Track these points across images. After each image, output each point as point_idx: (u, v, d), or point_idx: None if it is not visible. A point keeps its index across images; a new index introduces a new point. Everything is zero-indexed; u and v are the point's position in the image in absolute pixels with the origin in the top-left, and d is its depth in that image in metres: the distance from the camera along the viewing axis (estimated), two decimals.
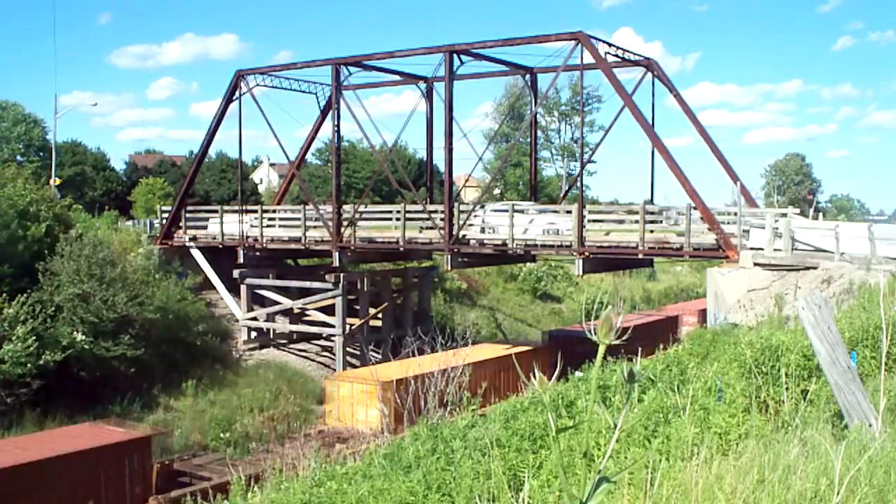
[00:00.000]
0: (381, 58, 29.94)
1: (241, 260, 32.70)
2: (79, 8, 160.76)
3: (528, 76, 32.57)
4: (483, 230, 27.90)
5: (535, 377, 2.07)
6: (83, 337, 24.43)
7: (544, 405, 8.06)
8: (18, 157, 47.96)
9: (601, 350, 2.00)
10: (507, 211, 27.04)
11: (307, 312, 33.23)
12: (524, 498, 5.65)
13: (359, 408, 24.59)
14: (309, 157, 52.91)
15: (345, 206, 31.39)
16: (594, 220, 26.23)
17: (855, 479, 3.83)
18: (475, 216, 27.86)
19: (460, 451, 7.75)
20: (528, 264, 44.09)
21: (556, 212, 28.79)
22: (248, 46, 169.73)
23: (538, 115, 54.97)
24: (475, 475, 6.95)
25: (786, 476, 4.12)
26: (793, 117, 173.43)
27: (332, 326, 31.26)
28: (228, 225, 33.51)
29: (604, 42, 26.23)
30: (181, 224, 34.45)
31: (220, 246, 33.48)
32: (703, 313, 34.53)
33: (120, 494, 16.19)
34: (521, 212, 27.92)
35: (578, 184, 31.05)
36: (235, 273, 32.74)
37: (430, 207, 29.63)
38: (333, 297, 30.80)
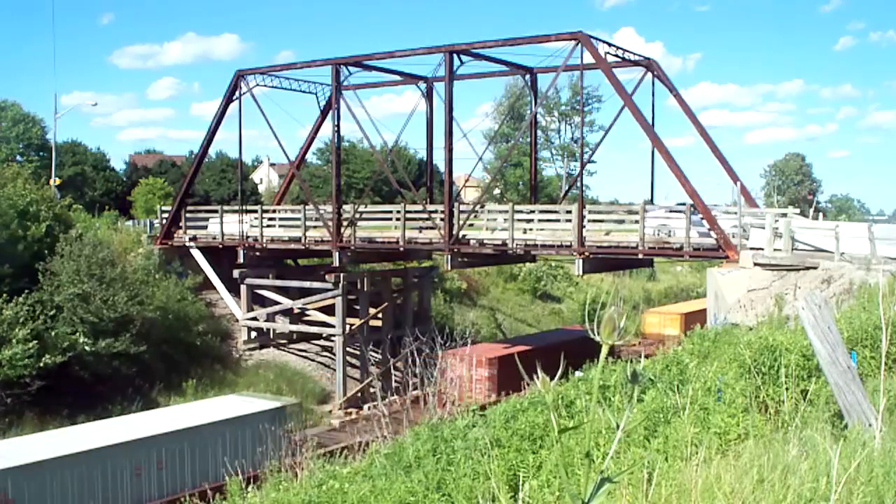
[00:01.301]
0: (381, 58, 29.92)
1: (241, 260, 32.69)
2: (79, 8, 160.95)
3: (528, 76, 32.53)
4: (658, 232, 25.10)
5: (538, 377, 2.07)
6: (84, 339, 24.40)
7: (544, 405, 8.07)
8: (18, 157, 47.97)
9: (604, 350, 2.00)
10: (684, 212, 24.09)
11: (307, 312, 33.23)
12: (524, 498, 5.65)
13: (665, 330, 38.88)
14: (309, 157, 52.91)
15: (345, 206, 31.37)
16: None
17: (853, 479, 3.84)
18: (642, 218, 24.44)
19: (460, 451, 7.75)
20: (527, 264, 44.05)
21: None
22: (249, 46, 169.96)
23: (538, 115, 54.96)
24: (475, 475, 6.96)
25: (785, 476, 4.13)
26: (793, 117, 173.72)
27: (332, 326, 31.24)
28: (228, 225, 33.49)
29: (604, 42, 26.20)
30: (181, 224, 34.44)
31: (220, 246, 33.47)
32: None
33: None
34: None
35: (578, 184, 31.08)
36: (235, 273, 32.74)
37: (430, 207, 29.61)
38: (333, 297, 30.79)
